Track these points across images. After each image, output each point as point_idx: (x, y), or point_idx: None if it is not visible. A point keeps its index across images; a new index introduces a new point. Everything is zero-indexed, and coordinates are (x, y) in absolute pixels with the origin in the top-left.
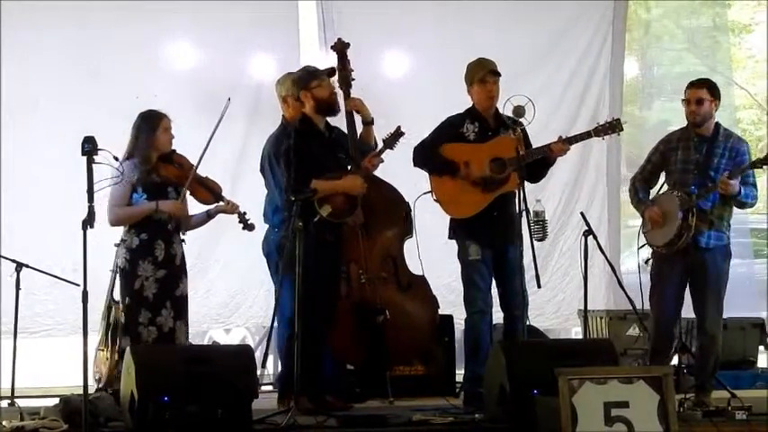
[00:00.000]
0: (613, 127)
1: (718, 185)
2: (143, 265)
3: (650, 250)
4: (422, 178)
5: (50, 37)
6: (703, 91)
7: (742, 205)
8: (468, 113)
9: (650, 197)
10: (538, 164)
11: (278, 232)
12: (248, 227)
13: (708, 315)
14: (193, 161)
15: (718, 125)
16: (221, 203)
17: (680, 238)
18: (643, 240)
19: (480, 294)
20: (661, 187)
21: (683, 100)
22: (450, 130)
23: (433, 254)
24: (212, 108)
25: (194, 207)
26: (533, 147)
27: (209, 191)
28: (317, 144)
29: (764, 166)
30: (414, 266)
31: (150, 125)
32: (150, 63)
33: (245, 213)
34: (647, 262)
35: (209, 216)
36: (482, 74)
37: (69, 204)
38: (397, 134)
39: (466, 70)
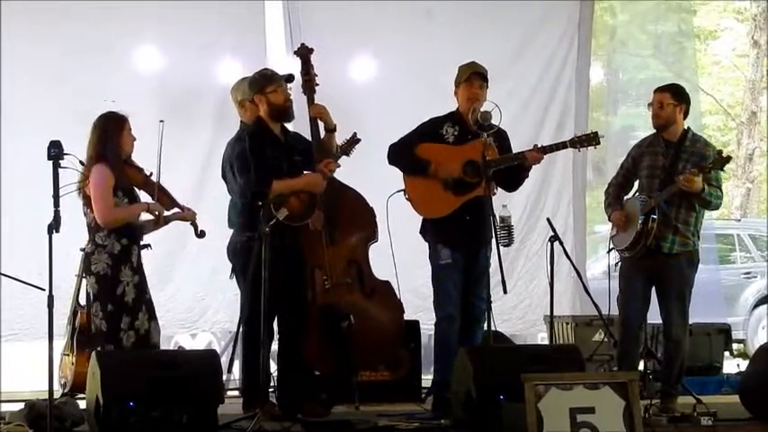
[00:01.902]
0: (590, 140)
1: (680, 182)
2: (124, 270)
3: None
4: (393, 178)
5: (17, 41)
6: (665, 95)
7: (707, 204)
8: (451, 116)
9: (621, 202)
10: (513, 172)
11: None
12: (200, 234)
13: (672, 321)
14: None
15: (686, 131)
16: (179, 210)
17: (638, 242)
18: (611, 244)
19: (450, 299)
20: (636, 192)
21: (648, 104)
22: (430, 129)
23: (401, 258)
24: (181, 112)
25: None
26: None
27: (169, 198)
28: (272, 148)
29: (713, 172)
30: (387, 268)
31: (117, 127)
32: (117, 67)
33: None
34: (616, 265)
35: (165, 222)
36: (468, 74)
37: (34, 208)
38: (353, 141)
39: (457, 72)
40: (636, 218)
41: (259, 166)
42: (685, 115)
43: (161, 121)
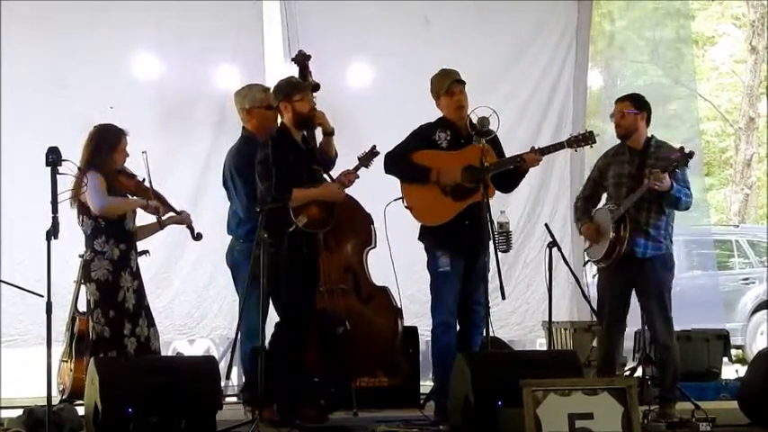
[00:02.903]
0: (586, 139)
1: (650, 181)
2: (125, 275)
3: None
4: (391, 185)
5: (16, 48)
6: (626, 104)
7: (677, 202)
8: (440, 122)
9: (590, 215)
10: (510, 174)
11: (243, 243)
12: (197, 237)
13: (657, 326)
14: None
15: (650, 138)
16: (173, 214)
17: (612, 250)
18: (586, 257)
19: (447, 306)
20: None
21: (610, 115)
22: (422, 136)
23: (397, 264)
24: (179, 118)
25: (141, 218)
26: (506, 156)
27: (164, 202)
28: (293, 155)
29: (680, 172)
30: (385, 274)
31: (112, 142)
32: (115, 74)
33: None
34: (594, 277)
35: (161, 226)
36: (447, 84)
37: (33, 215)
38: (372, 153)
39: (431, 84)
40: (607, 227)
41: (280, 174)
42: (648, 123)
43: (143, 152)
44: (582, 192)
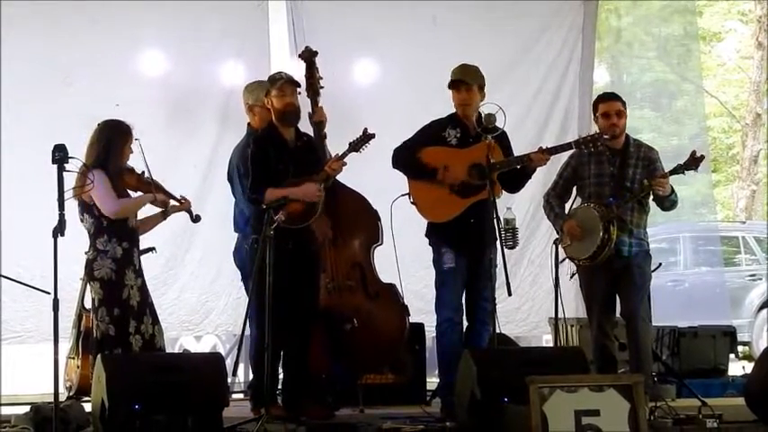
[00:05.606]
0: (594, 140)
1: (656, 186)
2: (128, 273)
3: (572, 265)
4: (396, 181)
5: (22, 45)
6: (619, 103)
7: (673, 205)
8: (451, 119)
9: (566, 211)
10: (517, 174)
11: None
12: (195, 219)
13: (635, 313)
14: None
15: (627, 137)
16: (175, 203)
17: (603, 249)
18: (563, 254)
19: (451, 303)
20: (574, 201)
21: (598, 114)
22: (432, 132)
23: (402, 261)
24: (184, 115)
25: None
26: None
27: (165, 192)
28: (278, 153)
29: (685, 172)
30: (390, 270)
31: (122, 140)
32: (121, 71)
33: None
34: (571, 277)
35: (164, 216)
36: (451, 81)
37: (39, 212)
38: (365, 137)
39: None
40: (593, 226)
41: (257, 173)
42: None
43: (136, 139)
44: (553, 189)
